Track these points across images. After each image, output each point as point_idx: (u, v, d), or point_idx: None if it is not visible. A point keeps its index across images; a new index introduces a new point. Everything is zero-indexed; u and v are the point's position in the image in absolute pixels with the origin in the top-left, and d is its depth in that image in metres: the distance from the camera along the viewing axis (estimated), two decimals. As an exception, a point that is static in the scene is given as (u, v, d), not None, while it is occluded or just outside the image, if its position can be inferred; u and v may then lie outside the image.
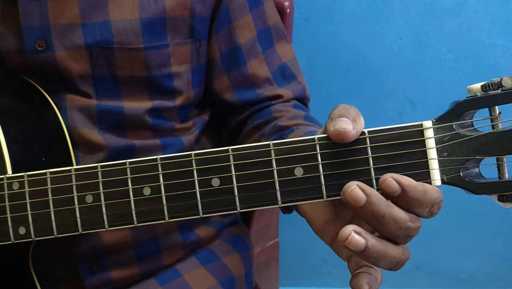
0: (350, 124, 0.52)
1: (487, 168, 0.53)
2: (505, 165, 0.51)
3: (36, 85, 0.79)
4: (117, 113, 0.82)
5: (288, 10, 1.13)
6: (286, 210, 0.78)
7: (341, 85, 1.61)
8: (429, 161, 0.52)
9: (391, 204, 0.51)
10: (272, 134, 0.83)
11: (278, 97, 0.91)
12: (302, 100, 0.95)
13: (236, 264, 0.94)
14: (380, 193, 0.52)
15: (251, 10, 0.90)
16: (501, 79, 0.50)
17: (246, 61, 0.90)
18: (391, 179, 0.51)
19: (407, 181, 0.50)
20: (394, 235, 0.52)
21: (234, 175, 0.56)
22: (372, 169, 0.53)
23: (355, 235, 0.50)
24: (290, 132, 0.80)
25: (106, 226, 0.60)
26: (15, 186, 0.63)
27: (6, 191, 0.63)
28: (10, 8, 0.77)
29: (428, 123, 0.52)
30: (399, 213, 0.51)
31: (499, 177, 0.52)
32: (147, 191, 0.58)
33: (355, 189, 0.50)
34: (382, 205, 0.50)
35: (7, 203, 0.63)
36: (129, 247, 0.84)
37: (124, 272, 0.85)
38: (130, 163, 0.58)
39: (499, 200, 0.51)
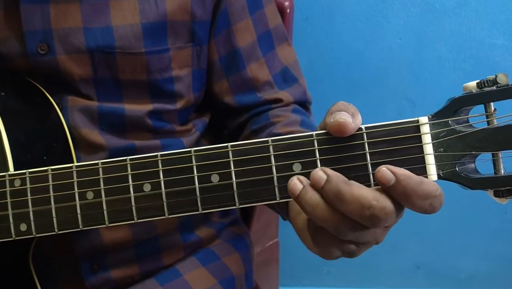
0: (350, 117, 0.53)
1: (483, 164, 0.54)
2: (501, 160, 0.52)
3: (38, 85, 0.80)
4: (118, 114, 0.82)
5: (288, 10, 1.13)
6: (286, 216, 0.78)
7: (341, 85, 1.61)
8: (425, 156, 0.53)
9: (352, 182, 0.51)
10: None
11: (278, 100, 0.91)
12: (303, 104, 0.95)
13: (236, 264, 0.94)
14: (375, 184, 0.52)
15: (251, 14, 0.90)
16: (496, 76, 0.51)
17: (246, 64, 0.90)
18: (385, 169, 0.51)
19: (402, 171, 0.51)
20: (358, 215, 0.51)
21: (233, 171, 0.56)
22: (370, 164, 0.54)
23: (295, 180, 0.52)
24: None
25: (107, 222, 0.60)
26: (17, 183, 0.63)
27: (7, 188, 0.64)
28: (13, 12, 0.78)
29: (424, 119, 0.53)
30: (360, 191, 0.51)
31: (495, 173, 0.52)
32: (147, 187, 0.59)
33: (318, 171, 0.51)
34: (341, 183, 0.51)
35: (8, 199, 0.63)
36: (129, 247, 0.84)
37: (124, 272, 0.85)
38: (131, 159, 0.59)
39: (495, 195, 0.52)
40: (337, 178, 0.51)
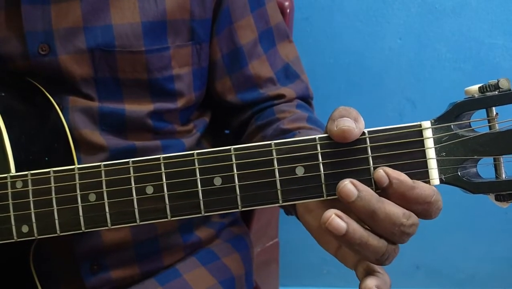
0: (353, 122, 0.53)
1: (485, 168, 0.54)
2: (502, 165, 0.52)
3: (39, 86, 0.80)
4: (118, 115, 0.82)
5: (288, 10, 1.13)
6: (289, 211, 0.78)
7: (341, 85, 1.61)
8: (428, 160, 0.53)
9: (383, 200, 0.52)
10: (274, 137, 0.83)
11: (281, 96, 0.91)
12: (306, 99, 0.95)
13: (236, 264, 0.94)
14: (377, 188, 0.53)
15: (252, 11, 0.90)
16: (498, 81, 0.51)
17: (248, 62, 0.90)
18: (381, 171, 0.52)
19: (395, 174, 0.52)
20: (389, 232, 0.52)
21: (236, 174, 0.56)
22: (372, 168, 0.54)
23: (336, 217, 0.51)
24: (292, 136, 0.79)
25: (109, 225, 0.60)
26: (19, 184, 0.63)
27: (9, 190, 0.64)
28: (13, 13, 0.78)
29: (426, 124, 0.53)
30: (391, 208, 0.52)
31: (496, 177, 0.52)
32: (149, 190, 0.59)
33: (347, 184, 0.51)
34: (374, 200, 0.51)
35: (10, 201, 0.63)
36: (129, 247, 0.84)
37: (124, 272, 0.85)
38: (133, 162, 0.59)
39: (496, 199, 0.52)
40: (371, 195, 0.52)
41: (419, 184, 0.52)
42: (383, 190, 0.53)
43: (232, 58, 0.90)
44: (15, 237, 0.63)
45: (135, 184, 0.59)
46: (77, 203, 0.61)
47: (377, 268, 0.55)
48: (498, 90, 0.51)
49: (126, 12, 0.80)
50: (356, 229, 0.52)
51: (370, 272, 0.55)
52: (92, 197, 0.60)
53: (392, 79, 1.60)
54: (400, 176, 0.52)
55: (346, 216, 0.52)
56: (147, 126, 0.84)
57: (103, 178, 0.60)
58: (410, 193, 0.52)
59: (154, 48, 0.82)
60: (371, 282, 0.53)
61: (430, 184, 0.53)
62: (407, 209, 0.53)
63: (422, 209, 0.53)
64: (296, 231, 1.44)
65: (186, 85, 0.86)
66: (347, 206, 0.52)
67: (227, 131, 1.04)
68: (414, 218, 0.53)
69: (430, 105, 1.59)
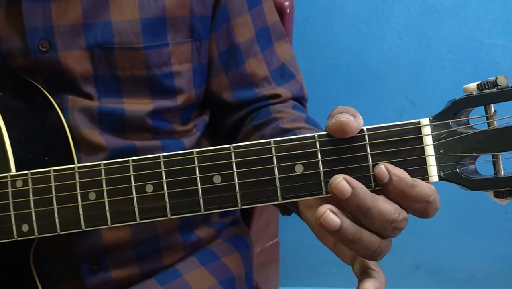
0: (351, 117, 0.53)
1: (483, 165, 0.54)
2: (501, 162, 0.52)
3: (39, 86, 0.80)
4: (118, 114, 0.82)
5: (288, 10, 1.13)
6: (285, 211, 0.78)
7: (341, 85, 1.61)
8: (427, 157, 0.53)
9: (376, 197, 0.52)
10: (273, 136, 0.82)
11: (276, 96, 0.91)
12: (300, 100, 0.95)
13: (236, 263, 0.94)
14: (376, 185, 0.54)
15: (250, 9, 0.91)
16: (496, 78, 0.51)
17: (244, 60, 0.90)
18: (382, 167, 0.53)
19: (396, 170, 0.52)
20: (381, 228, 0.53)
21: (235, 172, 0.57)
22: (371, 166, 0.54)
23: (330, 213, 0.52)
24: (292, 136, 0.80)
25: (109, 223, 0.60)
26: (19, 184, 0.63)
27: (9, 189, 0.64)
28: (14, 9, 0.78)
29: (425, 121, 0.53)
30: (385, 206, 0.52)
31: (495, 174, 0.53)
32: (149, 188, 0.59)
33: (341, 181, 0.52)
34: (368, 198, 0.52)
35: (10, 200, 0.64)
36: (129, 247, 0.84)
37: (124, 272, 0.85)
38: (133, 160, 0.59)
39: (495, 196, 0.52)
40: (365, 192, 0.52)
41: (419, 182, 0.53)
42: (382, 186, 0.53)
43: (228, 56, 0.90)
44: (15, 236, 0.64)
45: (135, 183, 0.59)
46: (77, 202, 0.61)
47: (372, 265, 0.56)
48: (496, 87, 0.51)
49: (126, 9, 0.80)
50: (350, 225, 0.52)
51: (365, 270, 0.56)
52: (92, 196, 0.61)
53: (392, 79, 1.60)
54: (400, 173, 0.52)
55: (341, 212, 0.52)
56: (147, 126, 0.84)
57: (103, 176, 0.60)
58: (410, 191, 0.52)
59: (153, 44, 0.82)
60: (369, 285, 0.54)
61: (429, 181, 0.54)
62: (405, 206, 0.53)
63: (421, 207, 0.53)
64: (296, 231, 1.44)
65: (186, 82, 0.86)
66: (340, 203, 0.53)
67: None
68: (404, 213, 0.53)
69: (430, 105, 1.59)
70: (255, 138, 0.87)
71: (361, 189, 0.52)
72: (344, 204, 0.52)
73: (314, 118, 0.89)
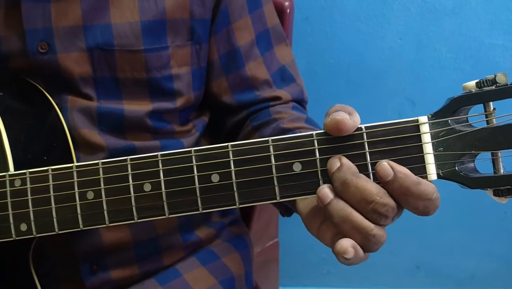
0: (347, 115, 0.53)
1: (482, 163, 0.54)
2: (500, 160, 0.52)
3: (38, 86, 0.80)
4: (117, 115, 0.82)
5: (288, 10, 1.13)
6: (286, 213, 0.78)
7: (341, 85, 1.61)
8: (425, 155, 0.53)
9: (360, 176, 0.53)
10: (273, 136, 0.83)
11: (276, 98, 0.91)
12: (300, 102, 0.95)
13: (236, 263, 0.94)
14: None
15: (250, 12, 0.90)
16: (495, 76, 0.51)
17: (245, 63, 0.90)
18: (385, 164, 0.53)
19: (401, 168, 0.52)
20: (359, 206, 0.53)
21: (233, 171, 0.56)
22: (369, 164, 0.54)
23: (325, 187, 0.54)
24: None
25: (107, 222, 0.60)
26: (17, 183, 0.63)
27: (8, 188, 0.64)
28: (13, 11, 0.78)
29: (423, 118, 0.53)
30: (364, 184, 0.53)
31: (494, 172, 0.52)
32: (147, 187, 0.59)
33: (333, 157, 0.54)
34: (349, 174, 0.53)
35: (8, 200, 0.64)
36: (129, 248, 0.84)
37: (124, 272, 0.85)
38: (131, 159, 0.59)
39: (495, 194, 0.52)
40: (348, 168, 0.53)
41: (423, 180, 0.52)
42: (384, 184, 0.53)
43: (229, 59, 0.90)
44: (13, 236, 0.64)
45: (133, 182, 0.59)
46: (75, 201, 0.61)
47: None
48: (495, 85, 0.51)
49: (126, 12, 0.80)
50: (340, 202, 0.54)
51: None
52: (90, 195, 0.61)
53: (392, 79, 1.60)
54: (405, 170, 0.52)
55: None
56: (146, 126, 0.84)
57: (101, 175, 0.60)
58: (415, 188, 0.52)
59: (153, 47, 0.82)
60: (346, 241, 0.53)
61: (427, 180, 0.53)
62: (407, 204, 0.53)
63: (423, 205, 0.53)
64: (296, 231, 1.44)
65: (185, 84, 0.86)
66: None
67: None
68: (389, 199, 0.53)
69: (430, 105, 1.57)
70: (255, 138, 0.87)
71: (347, 164, 0.54)
72: (331, 179, 0.54)
73: (314, 118, 0.90)
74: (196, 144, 0.91)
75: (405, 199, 0.53)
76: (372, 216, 0.53)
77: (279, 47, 0.94)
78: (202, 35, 0.86)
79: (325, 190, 0.54)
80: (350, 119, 0.53)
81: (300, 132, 0.78)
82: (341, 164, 0.53)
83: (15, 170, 0.68)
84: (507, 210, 1.69)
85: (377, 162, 0.53)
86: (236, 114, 0.93)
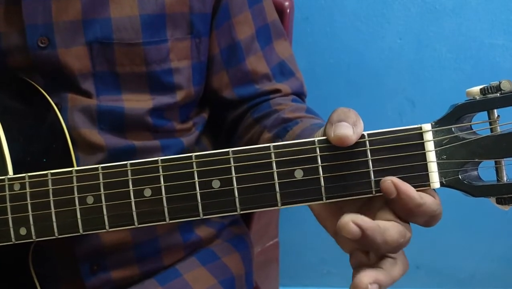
0: (350, 128, 0.53)
1: (486, 171, 0.53)
2: (504, 168, 0.52)
3: (37, 86, 0.79)
4: (117, 113, 0.82)
5: (288, 10, 1.13)
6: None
7: (341, 85, 1.61)
8: (428, 163, 0.53)
9: (384, 232, 0.51)
10: (275, 126, 0.83)
11: (276, 91, 0.92)
12: (299, 96, 0.95)
13: (236, 263, 0.94)
14: (377, 192, 0.54)
15: (250, 7, 0.91)
16: (500, 83, 0.50)
17: (245, 57, 0.90)
18: (390, 182, 0.52)
19: (405, 187, 0.52)
20: (387, 252, 0.54)
21: (234, 177, 0.56)
22: (372, 171, 0.53)
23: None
24: (295, 124, 0.80)
25: (107, 227, 0.60)
26: (16, 187, 0.63)
27: (7, 192, 0.63)
28: (14, 7, 0.78)
29: (427, 126, 0.53)
30: (392, 236, 0.52)
31: (498, 180, 0.52)
32: (147, 192, 0.58)
33: (349, 224, 0.50)
34: (377, 237, 0.51)
35: (8, 204, 0.63)
36: (129, 248, 0.84)
37: (124, 273, 0.85)
38: (131, 164, 0.59)
39: (498, 202, 0.52)
40: (374, 229, 0.51)
41: (426, 199, 0.52)
42: (388, 200, 0.53)
43: (229, 53, 0.90)
44: (13, 240, 0.64)
45: (133, 187, 0.59)
46: (75, 206, 0.61)
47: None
48: (500, 92, 0.51)
49: (125, 6, 0.81)
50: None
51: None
52: (90, 200, 0.60)
53: (392, 79, 1.60)
54: (408, 191, 0.52)
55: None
56: (146, 124, 0.84)
57: (101, 180, 0.60)
58: (417, 210, 0.52)
59: (152, 40, 0.82)
60: (364, 277, 0.51)
61: (430, 188, 0.53)
62: (409, 219, 0.53)
63: (424, 221, 0.54)
64: (296, 231, 1.44)
65: (185, 78, 0.86)
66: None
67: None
68: (408, 233, 0.53)
69: (430, 105, 1.59)
70: (256, 130, 0.88)
71: (370, 230, 0.50)
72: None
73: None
74: (196, 142, 0.91)
75: (406, 215, 0.53)
76: (396, 251, 0.54)
77: (278, 41, 0.95)
78: (202, 29, 0.87)
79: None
80: (354, 132, 0.52)
81: (302, 121, 0.79)
82: (363, 230, 0.50)
83: (14, 172, 0.67)
84: (507, 210, 1.68)
85: (379, 169, 0.53)
86: (236, 109, 0.93)
